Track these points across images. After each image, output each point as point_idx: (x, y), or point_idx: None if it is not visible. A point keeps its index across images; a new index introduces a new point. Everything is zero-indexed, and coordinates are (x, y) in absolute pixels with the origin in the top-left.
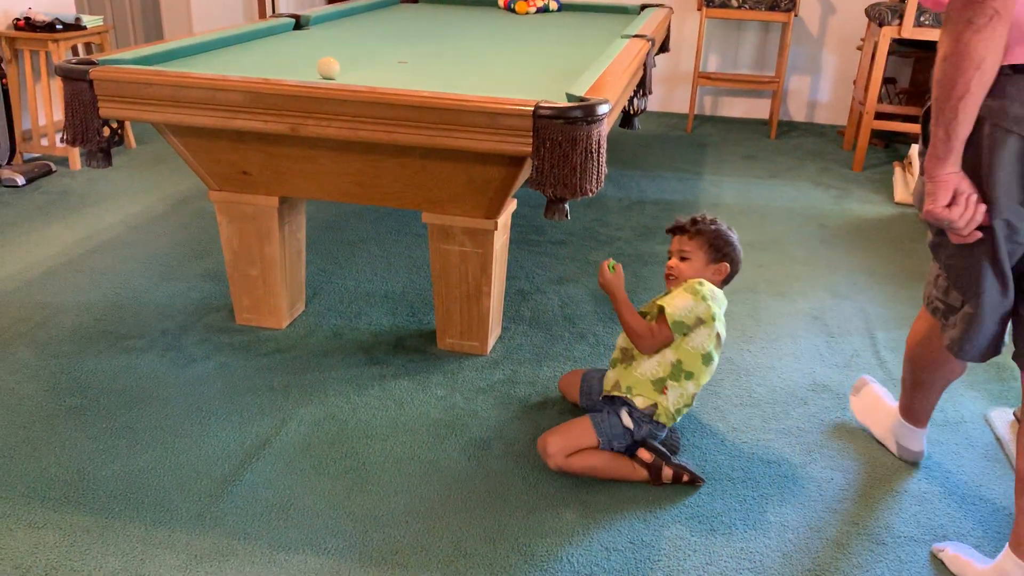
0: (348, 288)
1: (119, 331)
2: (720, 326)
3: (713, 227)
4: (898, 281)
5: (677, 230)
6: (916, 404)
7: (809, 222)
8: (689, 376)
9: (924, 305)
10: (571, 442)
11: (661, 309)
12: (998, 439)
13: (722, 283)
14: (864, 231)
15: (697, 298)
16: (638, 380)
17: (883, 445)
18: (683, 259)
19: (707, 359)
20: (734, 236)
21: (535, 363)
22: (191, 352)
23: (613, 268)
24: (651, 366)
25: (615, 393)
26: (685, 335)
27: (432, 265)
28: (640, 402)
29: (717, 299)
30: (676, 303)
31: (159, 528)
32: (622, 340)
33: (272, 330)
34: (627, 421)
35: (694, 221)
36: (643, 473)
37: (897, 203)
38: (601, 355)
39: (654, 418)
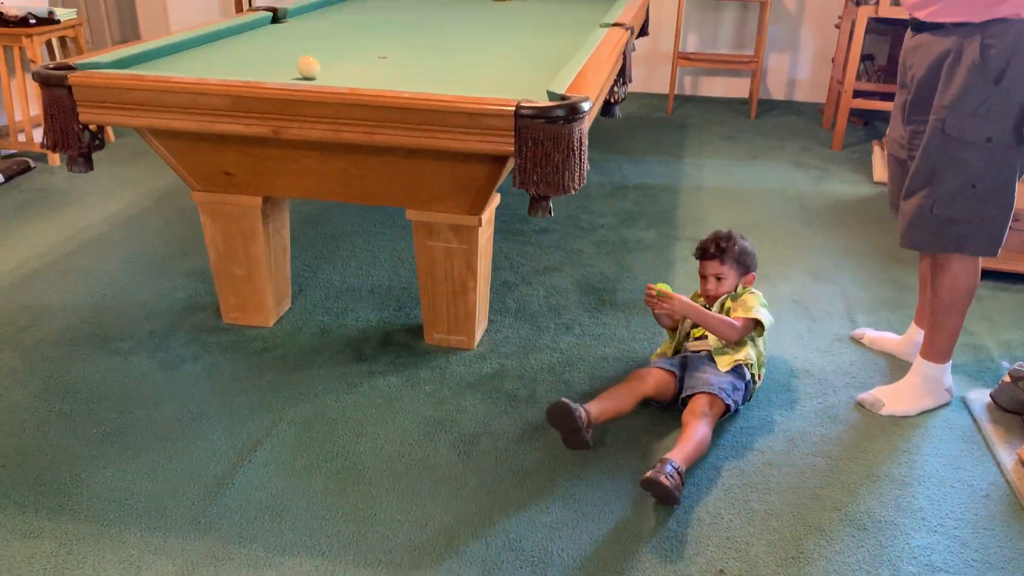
0: (334, 283)
1: (106, 333)
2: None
3: (736, 245)
4: (878, 262)
5: (706, 255)
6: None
7: (790, 203)
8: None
9: (941, 252)
10: (704, 423)
11: (755, 320)
12: (975, 421)
13: None
14: (844, 211)
15: (765, 307)
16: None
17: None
18: (718, 279)
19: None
20: (749, 243)
21: (522, 356)
22: (179, 353)
23: (660, 293)
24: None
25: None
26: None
27: (417, 261)
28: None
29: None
30: (764, 314)
31: (154, 534)
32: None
33: (259, 328)
34: (747, 376)
35: (718, 245)
36: None
37: (876, 182)
38: (587, 346)
39: (747, 366)
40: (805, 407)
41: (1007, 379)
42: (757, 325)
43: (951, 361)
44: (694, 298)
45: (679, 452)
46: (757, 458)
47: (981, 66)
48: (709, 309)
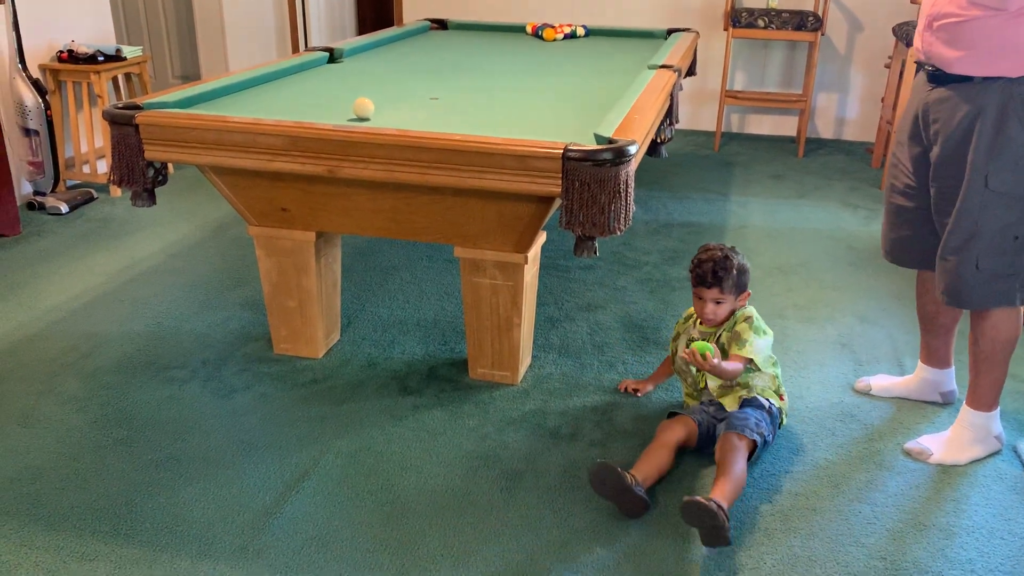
0: (381, 316)
1: (161, 361)
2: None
3: (734, 270)
4: None
5: (704, 283)
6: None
7: (838, 244)
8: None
9: (994, 306)
10: (738, 457)
11: (748, 359)
12: None
13: None
14: None
15: (763, 333)
16: (745, 383)
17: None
18: (717, 303)
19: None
20: (741, 258)
21: (565, 393)
22: (231, 382)
23: (705, 353)
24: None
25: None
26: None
27: (464, 297)
28: (759, 386)
29: (762, 320)
30: (758, 347)
31: (204, 560)
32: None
33: (309, 359)
34: (766, 403)
35: (716, 274)
36: None
37: None
38: None
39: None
40: (851, 452)
41: None
42: (750, 361)
43: (999, 408)
44: (687, 317)
45: (719, 491)
46: (801, 503)
47: (1022, 119)
48: (707, 333)
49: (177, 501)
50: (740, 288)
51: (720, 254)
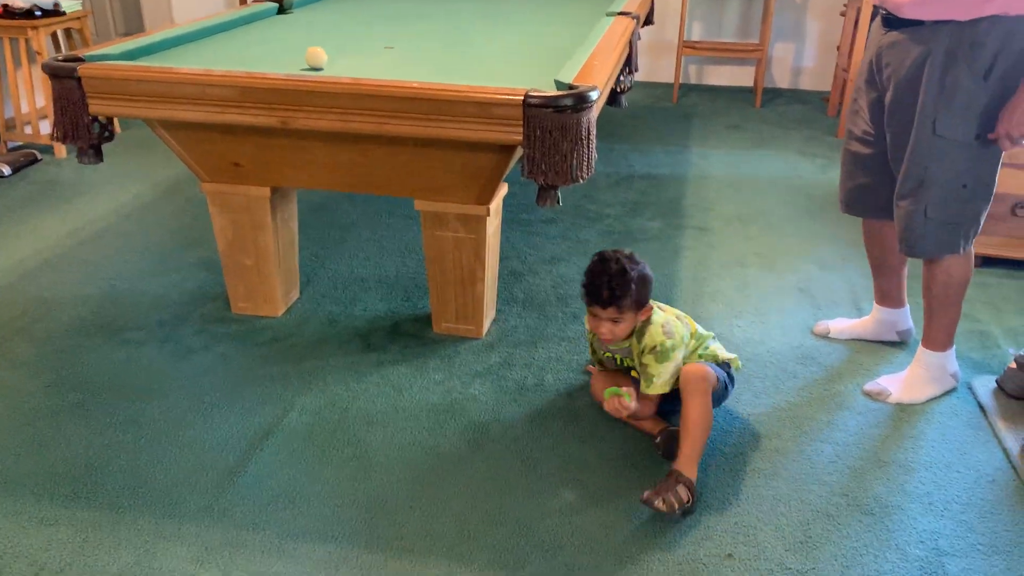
0: (341, 273)
1: (116, 324)
2: (685, 347)
3: (631, 285)
4: None
5: (599, 302)
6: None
7: (796, 193)
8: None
9: (942, 254)
10: (698, 401)
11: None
12: (981, 407)
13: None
14: None
15: (672, 356)
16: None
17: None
18: (615, 322)
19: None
20: (643, 268)
21: (530, 345)
22: (189, 343)
23: (631, 398)
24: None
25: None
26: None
27: (426, 251)
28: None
29: (676, 334)
30: (665, 378)
31: (169, 521)
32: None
33: (268, 318)
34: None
35: (611, 291)
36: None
37: None
38: None
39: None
40: (812, 394)
41: (1013, 365)
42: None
43: (954, 347)
44: (591, 338)
45: (684, 456)
46: (765, 445)
47: (971, 64)
48: (605, 351)
49: (138, 463)
50: (640, 303)
51: (616, 267)
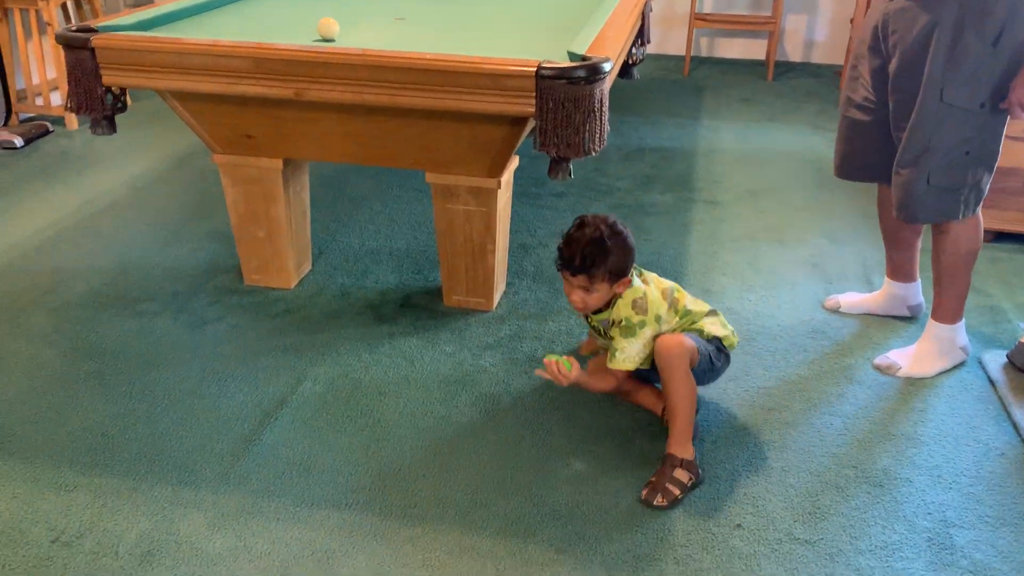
0: (353, 246)
1: (130, 295)
2: (659, 322)
3: (608, 255)
4: None
5: (569, 268)
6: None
7: (807, 166)
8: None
9: (946, 220)
10: (677, 376)
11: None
12: (991, 381)
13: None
14: None
15: (639, 334)
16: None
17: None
18: (586, 291)
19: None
20: (625, 237)
21: (540, 318)
22: (203, 314)
23: (570, 365)
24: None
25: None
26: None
27: (436, 224)
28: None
29: (649, 311)
30: (629, 354)
31: (185, 488)
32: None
33: (281, 290)
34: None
35: (584, 259)
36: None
37: None
38: None
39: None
40: (822, 367)
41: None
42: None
43: (963, 320)
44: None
45: (676, 430)
46: (774, 417)
47: (980, 31)
48: (602, 319)
49: (154, 432)
50: (618, 274)
51: (594, 234)
